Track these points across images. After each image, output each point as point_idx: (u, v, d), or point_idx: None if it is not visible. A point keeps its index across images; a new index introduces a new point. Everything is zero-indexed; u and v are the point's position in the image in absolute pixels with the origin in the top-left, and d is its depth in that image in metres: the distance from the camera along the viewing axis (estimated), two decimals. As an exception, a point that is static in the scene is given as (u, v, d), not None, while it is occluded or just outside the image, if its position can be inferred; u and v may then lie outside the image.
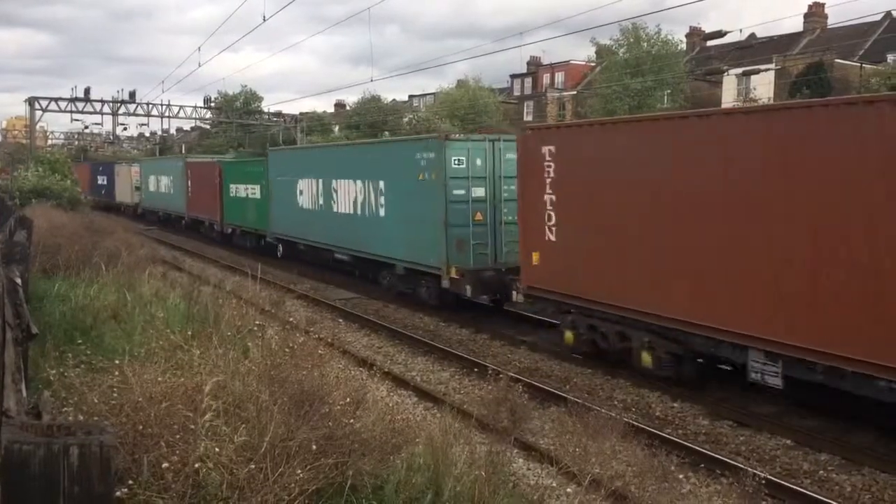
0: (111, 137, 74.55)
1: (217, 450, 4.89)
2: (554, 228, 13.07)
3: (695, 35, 55.96)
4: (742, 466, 8.38)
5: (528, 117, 61.97)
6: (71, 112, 53.83)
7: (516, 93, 68.03)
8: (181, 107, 60.17)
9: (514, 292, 14.92)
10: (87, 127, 76.02)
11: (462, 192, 16.29)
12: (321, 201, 22.18)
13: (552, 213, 13.10)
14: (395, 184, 18.46)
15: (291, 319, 11.78)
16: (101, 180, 54.02)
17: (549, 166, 13.01)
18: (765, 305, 9.56)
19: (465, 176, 16.29)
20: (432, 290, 17.49)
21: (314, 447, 5.14)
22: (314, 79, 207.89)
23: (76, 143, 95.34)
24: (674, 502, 7.97)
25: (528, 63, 67.84)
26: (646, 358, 11.56)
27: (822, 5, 50.84)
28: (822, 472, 8.84)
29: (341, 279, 22.06)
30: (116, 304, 10.74)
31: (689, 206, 10.58)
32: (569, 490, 7.82)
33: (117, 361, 6.33)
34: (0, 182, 49.01)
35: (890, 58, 41.90)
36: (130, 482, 4.66)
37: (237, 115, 66.32)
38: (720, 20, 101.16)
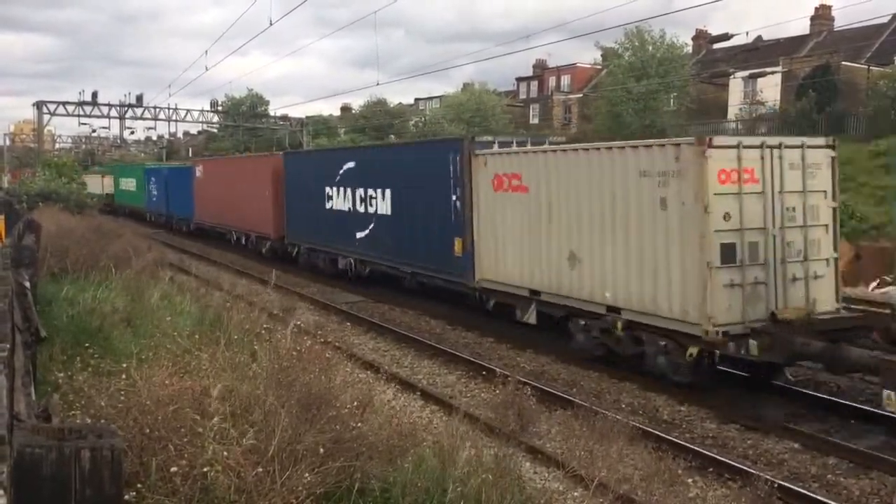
0: (118, 141, 74.86)
1: (225, 453, 4.90)
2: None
3: (701, 38, 55.95)
4: (750, 470, 8.36)
5: (533, 120, 62.01)
6: (78, 116, 54.22)
7: (522, 96, 68.05)
8: (188, 110, 60.66)
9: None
10: (94, 131, 76.48)
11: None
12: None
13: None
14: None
15: (299, 323, 11.80)
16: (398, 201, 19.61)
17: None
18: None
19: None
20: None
21: (321, 450, 5.16)
22: (320, 82, 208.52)
23: (83, 146, 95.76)
24: (681, 506, 7.95)
25: (534, 66, 67.89)
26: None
27: (829, 7, 50.76)
28: (830, 475, 8.81)
29: (347, 284, 22.06)
30: (124, 308, 10.79)
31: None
32: (576, 494, 7.81)
33: (125, 365, 6.36)
34: (8, 186, 49.32)
35: (897, 60, 41.75)
36: (139, 485, 4.68)
37: (244, 119, 66.58)
38: (725, 23, 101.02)
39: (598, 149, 12.90)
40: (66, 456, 2.89)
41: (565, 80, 63.83)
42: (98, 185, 56.47)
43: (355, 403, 6.26)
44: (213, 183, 32.17)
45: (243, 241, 28.99)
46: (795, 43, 49.11)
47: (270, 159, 27.57)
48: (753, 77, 41.79)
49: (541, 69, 66.85)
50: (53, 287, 12.79)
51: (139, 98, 55.65)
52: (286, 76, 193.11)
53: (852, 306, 12.57)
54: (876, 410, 10.02)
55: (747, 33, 54.41)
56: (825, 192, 11.72)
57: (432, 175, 16.93)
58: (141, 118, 56.64)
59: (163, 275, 15.73)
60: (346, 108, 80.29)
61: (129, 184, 49.04)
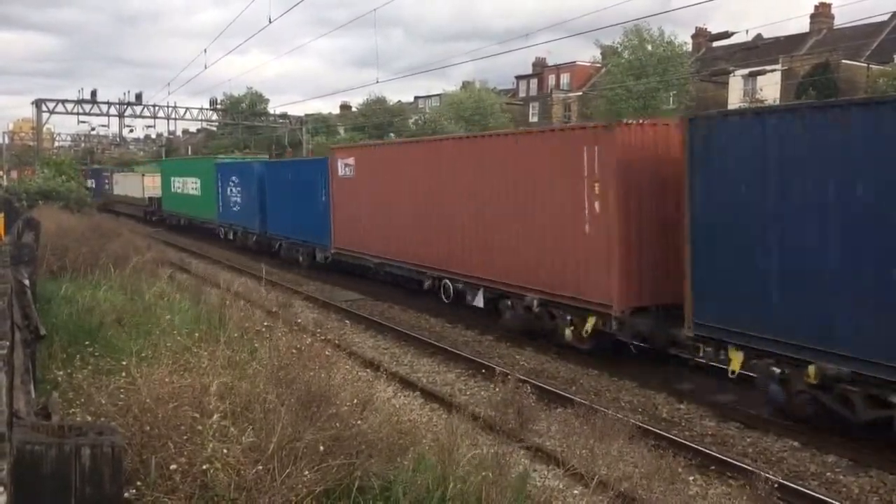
0: (118, 139, 74.84)
1: (224, 451, 4.90)
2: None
3: (701, 36, 55.96)
4: (750, 468, 8.36)
5: (533, 118, 61.99)
6: (78, 114, 54.13)
7: (522, 94, 68.05)
8: (187, 109, 60.54)
9: None
10: (93, 129, 76.41)
11: None
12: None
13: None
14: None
15: (299, 321, 11.80)
16: None
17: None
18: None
19: None
20: None
21: (321, 448, 5.15)
22: (320, 81, 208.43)
23: (83, 145, 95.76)
24: (681, 504, 7.95)
25: (534, 64, 67.92)
26: None
27: (829, 5, 50.76)
28: (829, 473, 8.81)
29: (346, 281, 22.03)
30: (123, 307, 10.78)
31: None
32: (576, 492, 7.81)
33: (125, 363, 6.35)
34: (8, 184, 49.34)
35: (897, 58, 41.73)
36: (138, 483, 4.68)
37: (243, 117, 66.53)
38: (725, 21, 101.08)
39: None
40: (67, 453, 2.89)
41: (565, 78, 63.84)
42: (136, 185, 44.98)
43: (355, 401, 6.26)
44: (389, 184, 18.94)
45: (479, 302, 15.67)
46: (795, 41, 49.10)
47: (608, 136, 12.18)
48: (753, 75, 41.66)
49: (540, 67, 66.86)
50: (53, 285, 12.78)
51: (138, 96, 55.59)
52: (285, 75, 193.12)
53: None
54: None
55: (747, 31, 54.41)
56: None
57: None
58: (140, 116, 56.54)
59: (162, 273, 15.74)
60: (345, 107, 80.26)
61: (187, 184, 35.10)
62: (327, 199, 22.00)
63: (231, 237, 29.78)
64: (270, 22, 28.58)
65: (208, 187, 31.68)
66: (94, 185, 51.97)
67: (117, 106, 54.74)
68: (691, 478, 8.64)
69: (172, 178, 37.82)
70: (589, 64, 61.61)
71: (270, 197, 25.91)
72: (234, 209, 28.95)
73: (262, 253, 26.66)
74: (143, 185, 43.47)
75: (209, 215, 31.66)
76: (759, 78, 42.08)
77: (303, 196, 23.36)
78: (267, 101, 73.54)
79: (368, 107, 66.16)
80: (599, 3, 75.90)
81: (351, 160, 21.13)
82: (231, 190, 29.09)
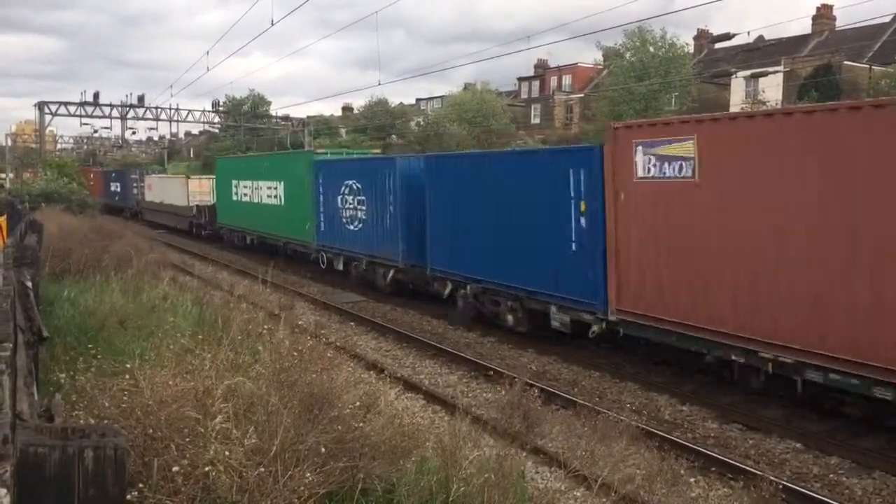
0: (120, 141, 74.92)
1: (227, 453, 4.90)
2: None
3: (702, 37, 55.99)
4: (752, 470, 8.36)
5: (535, 120, 62.04)
6: (80, 116, 54.16)
7: (524, 96, 68.10)
8: (189, 111, 60.64)
9: None
10: (96, 131, 76.47)
11: None
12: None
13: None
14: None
15: (301, 323, 11.81)
16: None
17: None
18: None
19: None
20: None
21: (324, 450, 5.15)
22: (322, 83, 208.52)
23: (85, 147, 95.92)
24: (683, 506, 7.94)
25: (536, 66, 68.02)
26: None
27: (831, 7, 50.77)
28: (832, 475, 8.80)
29: (348, 283, 22.01)
30: (126, 309, 10.80)
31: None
32: (577, 493, 7.81)
33: (128, 365, 6.36)
34: (10, 186, 49.38)
35: (899, 60, 41.67)
36: (140, 485, 4.68)
37: (245, 119, 66.59)
38: (726, 23, 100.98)
39: None
40: (70, 455, 2.90)
41: (566, 80, 63.92)
42: (178, 191, 36.35)
43: (357, 404, 6.26)
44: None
45: None
46: (797, 42, 49.09)
47: None
48: (755, 77, 41.66)
49: (542, 69, 66.96)
50: (55, 287, 12.81)
51: (141, 98, 55.65)
52: (288, 77, 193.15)
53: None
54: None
55: (749, 33, 54.47)
56: None
57: None
58: (142, 118, 56.59)
59: (164, 275, 15.75)
60: (347, 108, 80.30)
61: (260, 190, 26.66)
62: (592, 219, 12.66)
63: (341, 268, 21.21)
64: (273, 24, 28.58)
65: (299, 194, 23.26)
66: (119, 190, 48.39)
67: (119, 108, 54.84)
68: (693, 479, 8.64)
69: (235, 182, 28.75)
70: (591, 66, 61.66)
71: (435, 212, 17.01)
72: (352, 227, 20.32)
73: (403, 295, 18.97)
74: (187, 190, 34.90)
75: (299, 234, 23.25)
76: (760, 79, 42.07)
77: (520, 212, 14.31)
78: (269, 103, 73.58)
79: (370, 109, 66.18)
80: (600, 5, 76.02)
81: (686, 146, 10.81)
82: (346, 199, 20.51)
